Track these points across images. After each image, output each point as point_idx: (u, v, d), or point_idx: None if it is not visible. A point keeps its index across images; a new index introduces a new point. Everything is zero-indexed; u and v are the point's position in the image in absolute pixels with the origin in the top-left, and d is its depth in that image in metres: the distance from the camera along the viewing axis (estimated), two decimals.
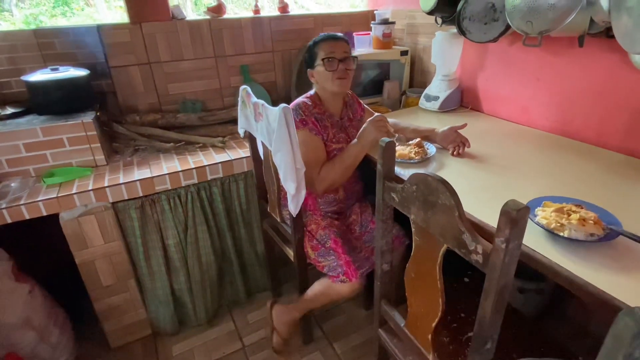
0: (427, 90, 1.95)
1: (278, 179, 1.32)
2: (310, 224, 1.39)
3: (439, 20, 1.68)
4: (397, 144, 1.44)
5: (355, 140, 1.30)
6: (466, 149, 1.41)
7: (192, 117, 1.96)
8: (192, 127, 1.96)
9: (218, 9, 2.06)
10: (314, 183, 1.28)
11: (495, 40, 1.47)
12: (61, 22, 3.00)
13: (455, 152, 1.39)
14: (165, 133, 1.76)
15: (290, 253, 1.44)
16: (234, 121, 2.00)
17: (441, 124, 1.75)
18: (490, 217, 1.02)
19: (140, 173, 1.50)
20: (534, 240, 0.94)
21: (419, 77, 2.24)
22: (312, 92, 1.42)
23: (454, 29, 1.76)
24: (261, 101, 1.26)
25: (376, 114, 1.58)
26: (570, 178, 1.22)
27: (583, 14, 1.18)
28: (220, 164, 1.59)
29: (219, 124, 2.01)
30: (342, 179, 1.34)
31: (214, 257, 1.68)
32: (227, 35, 2.08)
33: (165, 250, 1.59)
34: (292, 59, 2.29)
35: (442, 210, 0.69)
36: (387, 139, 0.84)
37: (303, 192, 1.23)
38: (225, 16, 2.10)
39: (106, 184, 1.42)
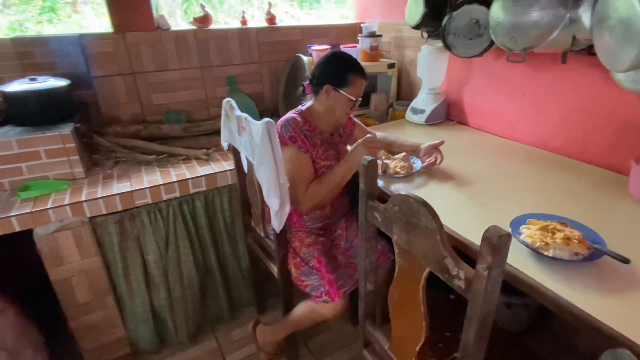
0: (413, 104, 1.95)
1: (262, 194, 1.29)
2: (294, 241, 1.36)
3: (425, 35, 1.68)
4: (382, 158, 1.44)
5: (344, 159, 1.28)
6: (454, 164, 1.40)
7: (176, 128, 1.93)
8: (176, 138, 1.92)
9: (204, 20, 2.04)
10: (300, 202, 1.26)
11: (479, 55, 1.48)
12: (47, 28, 2.95)
13: (425, 165, 1.39)
14: (147, 145, 1.72)
15: (274, 269, 1.41)
16: (219, 132, 1.97)
17: (427, 137, 1.75)
18: (475, 235, 1.01)
19: (119, 186, 1.46)
20: (518, 259, 0.92)
21: (405, 90, 2.24)
22: (303, 107, 1.39)
23: (439, 43, 1.77)
24: (244, 115, 1.24)
25: (368, 132, 1.58)
26: (555, 194, 1.21)
27: (566, 31, 1.19)
28: (203, 177, 1.55)
29: (204, 135, 1.97)
30: (328, 198, 1.32)
31: (196, 272, 1.64)
32: (214, 45, 2.06)
33: (145, 266, 1.55)
34: (280, 70, 2.28)
35: (424, 233, 0.67)
36: (369, 157, 0.82)
37: (287, 208, 1.21)
38: (212, 26, 2.09)
39: (83, 198, 1.37)
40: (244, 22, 2.20)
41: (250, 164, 1.31)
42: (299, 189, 1.26)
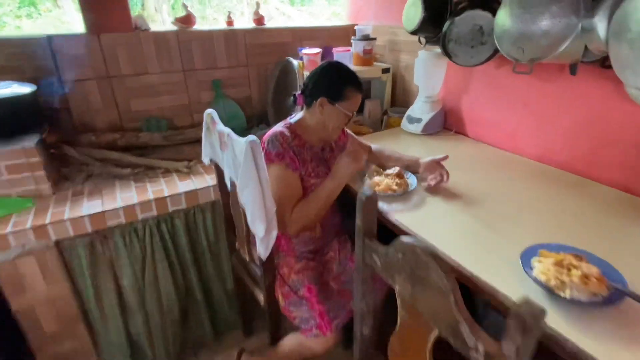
0: (409, 112, 1.85)
1: (246, 217, 1.18)
2: (282, 267, 1.25)
3: (423, 41, 1.58)
4: (374, 174, 1.33)
5: (330, 174, 1.18)
6: (453, 179, 1.30)
7: (156, 137, 1.79)
8: (156, 148, 1.79)
9: (187, 20, 1.91)
10: (286, 224, 1.14)
11: (482, 64, 1.38)
12: (27, 24, 2.77)
13: (427, 185, 1.28)
14: (122, 157, 1.58)
15: (261, 297, 1.29)
16: None
17: (425, 148, 1.65)
18: (479, 266, 0.91)
19: (89, 206, 1.33)
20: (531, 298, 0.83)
21: (401, 96, 2.14)
22: (292, 119, 1.27)
23: (438, 49, 1.67)
24: (227, 130, 1.12)
25: (362, 144, 1.47)
26: (565, 216, 1.12)
27: (577, 41, 1.09)
28: (183, 195, 1.42)
29: (187, 144, 1.84)
30: (317, 218, 1.21)
31: (176, 296, 1.51)
32: (197, 47, 1.93)
33: (120, 290, 1.42)
34: (268, 74, 2.16)
35: (433, 290, 0.57)
36: (369, 191, 0.71)
37: (274, 234, 1.09)
38: (196, 27, 1.95)
39: (48, 220, 1.24)
40: (230, 22, 2.07)
41: (233, 183, 1.19)
42: (285, 210, 1.14)
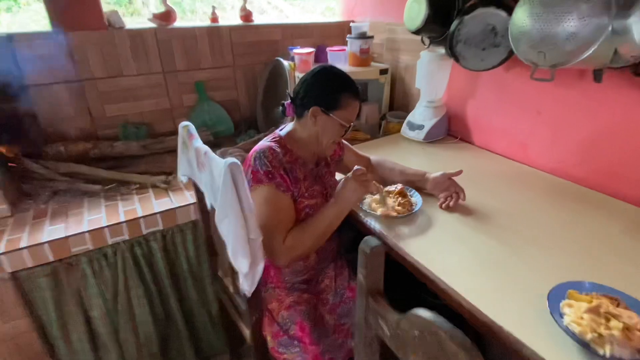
0: (410, 118, 1.70)
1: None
2: (271, 301, 1.10)
3: (426, 41, 1.43)
4: (380, 193, 1.19)
5: (333, 200, 1.03)
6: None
7: (133, 146, 1.63)
8: (134, 158, 1.63)
9: (166, 16, 1.74)
10: (277, 255, 1.00)
11: (494, 68, 1.23)
12: (4, 18, 2.57)
13: (445, 205, 1.15)
14: (92, 171, 1.42)
15: (247, 332, 1.15)
16: None
17: (428, 157, 1.52)
18: (497, 308, 0.79)
19: (51, 231, 1.17)
20: (562, 355, 0.70)
21: (400, 99, 1.99)
22: (282, 132, 1.12)
23: (442, 50, 1.52)
24: (204, 147, 0.96)
25: (360, 155, 1.33)
26: (591, 243, 0.99)
27: (606, 44, 0.95)
28: (159, 215, 1.27)
29: (168, 152, 1.68)
30: (314, 248, 1.07)
31: (154, 325, 1.37)
32: (178, 46, 1.76)
33: (90, 323, 1.27)
34: (257, 75, 2.00)
35: None
36: (374, 241, 0.56)
37: (260, 267, 0.94)
38: (178, 23, 1.78)
39: (2, 250, 1.08)
40: (214, 19, 1.90)
41: (213, 207, 1.04)
42: (276, 238, 0.99)
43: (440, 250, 0.99)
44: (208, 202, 1.04)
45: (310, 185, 1.10)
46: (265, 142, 1.08)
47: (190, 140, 1.05)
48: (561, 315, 0.77)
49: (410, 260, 0.96)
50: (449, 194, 1.16)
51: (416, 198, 1.19)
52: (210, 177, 0.95)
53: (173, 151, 1.67)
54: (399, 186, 1.21)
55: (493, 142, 1.58)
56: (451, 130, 1.74)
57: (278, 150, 1.04)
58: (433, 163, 1.51)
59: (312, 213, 1.08)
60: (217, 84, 1.92)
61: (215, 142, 1.81)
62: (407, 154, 1.61)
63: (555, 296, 0.82)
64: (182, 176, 1.15)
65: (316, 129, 1.06)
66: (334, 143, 1.09)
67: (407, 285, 1.17)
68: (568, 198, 1.22)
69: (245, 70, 1.97)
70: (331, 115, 1.03)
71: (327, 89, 1.04)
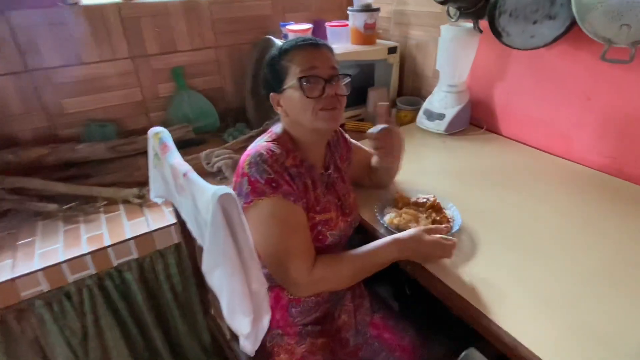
0: (427, 105, 1.45)
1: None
2: (278, 353, 0.88)
3: (454, 13, 1.17)
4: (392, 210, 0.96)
5: (390, 239, 0.81)
6: (508, 201, 0.95)
7: (99, 148, 1.35)
8: (101, 163, 1.36)
9: None
10: (299, 286, 0.77)
11: (546, 46, 0.99)
12: None
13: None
14: (47, 185, 1.15)
15: None
16: None
17: (450, 152, 1.32)
18: None
19: None
20: None
21: (410, 82, 1.74)
22: (278, 129, 0.88)
23: (467, 23, 1.27)
24: (183, 167, 0.71)
25: (368, 153, 1.08)
26: None
27: None
28: (132, 241, 1.02)
29: (142, 154, 1.40)
30: (345, 286, 0.85)
31: None
32: (148, 25, 1.47)
33: None
34: (245, 57, 1.71)
35: None
36: None
37: (266, 320, 0.72)
38: None
39: None
40: None
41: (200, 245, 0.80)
42: (296, 266, 0.76)
43: (492, 284, 0.77)
44: (193, 234, 0.80)
45: (322, 195, 0.87)
46: (260, 143, 0.83)
47: (163, 152, 0.79)
48: None
49: (461, 303, 0.74)
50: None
51: (452, 212, 0.97)
52: (192, 205, 0.70)
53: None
54: (432, 197, 0.98)
55: (526, 133, 1.35)
56: (473, 118, 1.50)
57: (278, 151, 0.80)
58: (458, 159, 1.28)
59: (327, 231, 0.85)
60: (198, 70, 1.63)
61: (199, 139, 1.54)
62: (425, 148, 1.38)
63: None
64: (155, 198, 0.90)
65: (291, 117, 0.83)
66: (323, 110, 0.80)
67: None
68: (628, 203, 1.01)
69: (231, 51, 1.68)
70: (284, 91, 0.81)
71: (268, 67, 0.83)
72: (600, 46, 0.91)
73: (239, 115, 1.74)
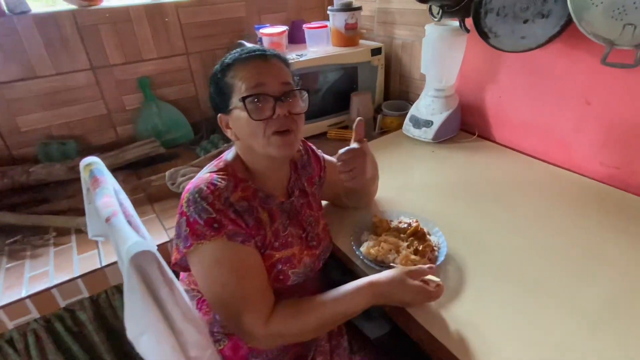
0: (413, 111, 1.34)
1: None
2: None
3: (437, 12, 1.05)
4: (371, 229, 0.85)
5: (366, 282, 0.70)
6: (502, 220, 0.83)
7: (57, 169, 1.25)
8: (59, 185, 1.26)
9: None
10: (254, 339, 0.67)
11: (539, 47, 0.87)
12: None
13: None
14: None
15: None
16: (132, 166, 1.33)
17: (440, 164, 1.24)
18: None
19: None
20: None
21: (397, 85, 1.62)
22: (229, 154, 0.77)
23: (453, 22, 1.15)
24: (107, 211, 0.60)
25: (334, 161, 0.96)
26: None
27: None
28: (80, 280, 0.91)
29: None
30: (312, 337, 0.74)
31: None
32: (109, 33, 1.36)
33: None
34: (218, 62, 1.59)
35: None
36: None
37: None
38: (105, 3, 1.36)
39: None
40: None
41: None
42: (248, 317, 0.65)
43: (481, 330, 0.66)
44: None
45: (282, 229, 0.76)
46: (205, 174, 0.72)
47: (94, 189, 0.68)
48: None
49: (445, 355, 0.64)
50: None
51: (438, 238, 0.86)
52: (119, 256, 0.59)
53: (114, 170, 1.30)
54: (414, 221, 0.87)
55: (521, 139, 1.24)
56: (464, 124, 1.38)
57: (222, 184, 0.68)
58: (448, 170, 1.17)
59: (289, 270, 0.74)
60: (168, 78, 1.52)
61: (169, 154, 1.44)
62: (411, 159, 1.27)
63: None
64: (93, 237, 0.79)
65: (242, 141, 0.72)
66: (276, 134, 0.69)
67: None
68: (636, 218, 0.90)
69: (204, 58, 1.57)
70: (230, 111, 0.70)
71: (213, 85, 0.73)
72: (601, 45, 0.80)
73: (215, 124, 1.62)
